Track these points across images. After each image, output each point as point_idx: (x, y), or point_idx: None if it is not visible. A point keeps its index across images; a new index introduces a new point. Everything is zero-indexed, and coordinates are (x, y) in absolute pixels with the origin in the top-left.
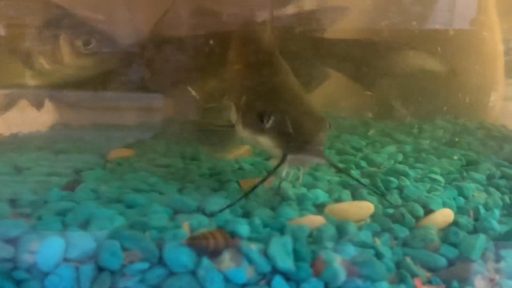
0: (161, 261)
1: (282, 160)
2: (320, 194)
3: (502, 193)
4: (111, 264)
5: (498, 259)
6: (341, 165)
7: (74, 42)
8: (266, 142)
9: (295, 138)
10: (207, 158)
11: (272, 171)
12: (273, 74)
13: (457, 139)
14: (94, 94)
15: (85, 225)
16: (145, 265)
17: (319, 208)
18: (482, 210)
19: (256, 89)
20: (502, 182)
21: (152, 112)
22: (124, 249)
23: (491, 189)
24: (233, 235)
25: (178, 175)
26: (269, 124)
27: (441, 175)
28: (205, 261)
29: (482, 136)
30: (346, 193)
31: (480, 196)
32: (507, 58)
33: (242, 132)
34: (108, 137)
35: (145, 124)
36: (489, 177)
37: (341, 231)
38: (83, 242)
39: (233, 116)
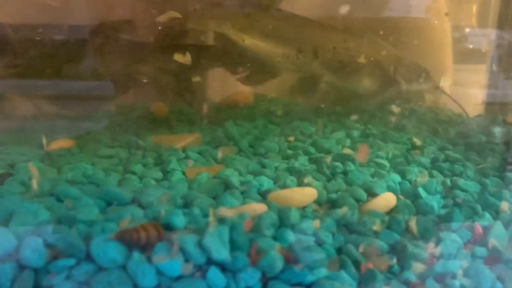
0: (88, 257)
1: None
2: (265, 181)
3: (445, 176)
4: (34, 262)
5: (437, 241)
6: (290, 152)
7: None
8: None
9: None
10: (154, 147)
11: None
12: None
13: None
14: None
15: (6, 221)
16: (71, 261)
17: (264, 195)
18: (423, 194)
19: None
20: (446, 165)
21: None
22: (47, 245)
23: (435, 172)
24: (168, 227)
25: (121, 166)
26: None
27: (387, 159)
28: (136, 255)
29: (429, 120)
30: (292, 180)
31: (423, 180)
32: (458, 45)
33: None
34: (52, 128)
35: (94, 114)
36: (433, 160)
37: (282, 218)
38: (2, 239)
39: None
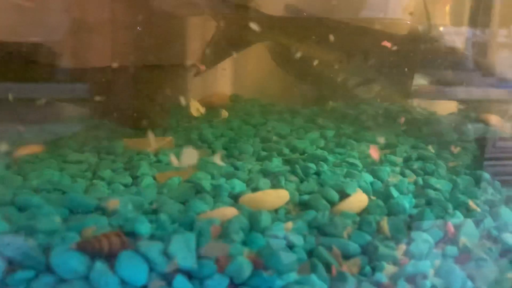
0: (49, 268)
1: None
2: (237, 184)
3: (417, 175)
4: None
5: (409, 241)
6: (264, 153)
7: None
8: None
9: None
10: (125, 152)
11: None
12: None
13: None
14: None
15: None
16: (30, 274)
17: (236, 199)
18: (395, 193)
19: None
20: (418, 163)
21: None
22: (4, 257)
23: (407, 171)
24: (132, 235)
25: (89, 171)
26: None
27: (359, 159)
28: (98, 264)
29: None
30: (264, 182)
31: (395, 179)
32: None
33: None
34: (19, 134)
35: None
36: (406, 160)
37: (253, 222)
38: None
39: None
